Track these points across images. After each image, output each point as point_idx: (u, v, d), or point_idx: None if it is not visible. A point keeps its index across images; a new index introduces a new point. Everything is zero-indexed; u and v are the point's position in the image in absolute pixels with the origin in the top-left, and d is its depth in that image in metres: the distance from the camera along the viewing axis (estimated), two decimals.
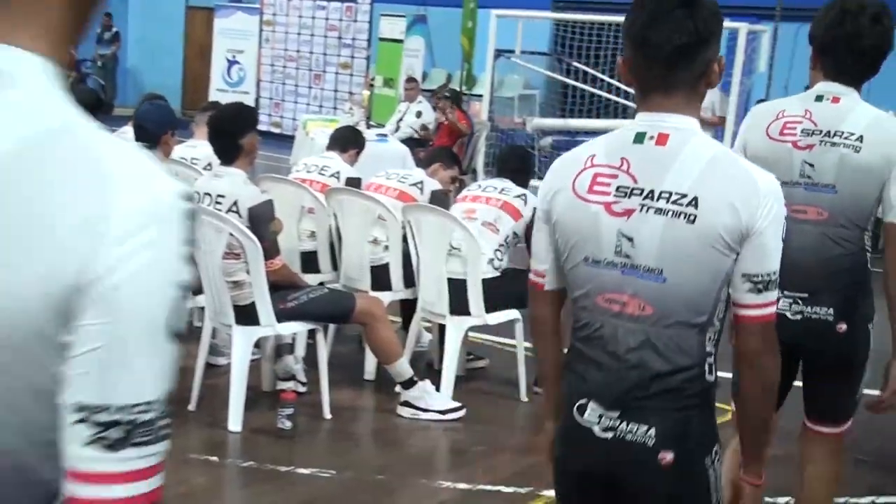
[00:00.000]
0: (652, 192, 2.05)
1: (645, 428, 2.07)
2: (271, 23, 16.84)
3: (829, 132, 3.02)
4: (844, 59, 3.02)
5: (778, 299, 2.13)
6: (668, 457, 2.06)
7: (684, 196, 2.01)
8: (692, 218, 2.00)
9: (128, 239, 0.94)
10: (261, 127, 18.24)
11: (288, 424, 4.69)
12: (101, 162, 0.98)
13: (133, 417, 0.95)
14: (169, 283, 0.97)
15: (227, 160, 4.84)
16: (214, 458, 4.50)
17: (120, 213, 0.95)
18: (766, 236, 2.01)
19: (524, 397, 5.28)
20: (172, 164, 5.71)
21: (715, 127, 10.77)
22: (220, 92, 16.53)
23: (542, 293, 2.31)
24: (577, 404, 2.15)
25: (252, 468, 4.43)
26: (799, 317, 3.10)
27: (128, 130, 5.67)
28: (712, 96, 12.34)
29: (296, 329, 4.94)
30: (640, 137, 2.10)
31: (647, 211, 2.05)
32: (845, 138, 3.00)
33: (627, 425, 2.08)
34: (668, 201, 2.03)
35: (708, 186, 2.02)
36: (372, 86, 15.17)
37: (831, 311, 3.06)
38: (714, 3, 2.08)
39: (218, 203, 4.71)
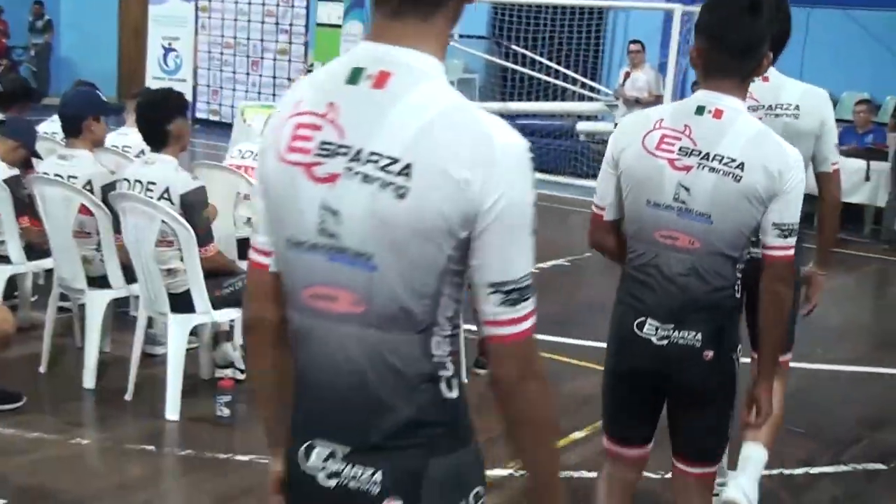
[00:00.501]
0: (707, 154, 2.65)
1: (694, 333, 2.74)
2: (207, 9, 16.65)
3: (771, 105, 3.58)
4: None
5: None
6: (709, 354, 2.75)
7: (734, 160, 2.62)
8: (739, 178, 2.63)
9: (510, 174, 1.53)
10: (199, 115, 17.91)
11: (226, 412, 4.67)
12: (482, 126, 1.55)
13: (521, 285, 1.58)
14: (530, 199, 1.56)
15: (156, 147, 4.79)
16: (152, 448, 4.46)
17: (501, 158, 1.53)
18: (792, 195, 2.66)
19: (464, 378, 5.24)
20: (103, 152, 5.62)
21: (650, 105, 10.85)
22: (156, 80, 16.29)
23: (603, 223, 2.91)
24: (636, 321, 2.78)
25: (190, 456, 4.40)
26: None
27: (58, 119, 5.56)
28: (648, 76, 12.45)
29: (233, 316, 4.89)
30: (700, 110, 2.69)
31: (703, 168, 2.66)
32: (785, 109, 3.58)
33: (679, 332, 2.75)
34: (720, 163, 2.64)
35: (752, 154, 2.62)
36: (310, 71, 15.05)
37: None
38: (770, 8, 2.67)
39: (149, 190, 4.66)
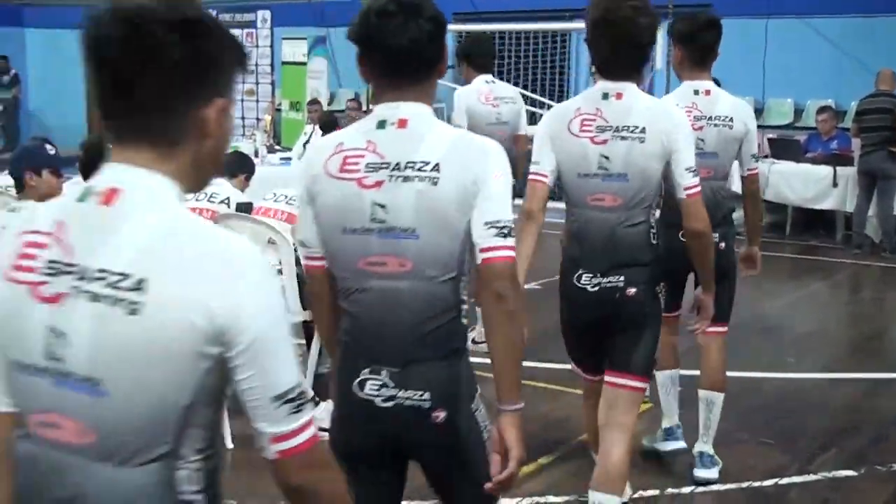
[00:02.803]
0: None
1: (622, 279, 3.36)
2: None
3: (709, 117, 4.21)
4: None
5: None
6: (631, 290, 3.36)
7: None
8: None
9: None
10: None
11: None
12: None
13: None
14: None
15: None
16: None
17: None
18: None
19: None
20: None
21: None
22: None
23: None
24: (576, 274, 3.48)
25: None
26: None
27: None
28: None
29: None
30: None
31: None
32: (722, 119, 4.14)
33: (608, 279, 3.37)
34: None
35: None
36: (279, 110, 15.07)
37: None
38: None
39: None
